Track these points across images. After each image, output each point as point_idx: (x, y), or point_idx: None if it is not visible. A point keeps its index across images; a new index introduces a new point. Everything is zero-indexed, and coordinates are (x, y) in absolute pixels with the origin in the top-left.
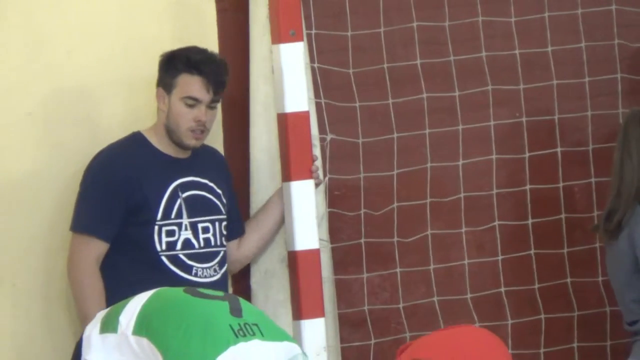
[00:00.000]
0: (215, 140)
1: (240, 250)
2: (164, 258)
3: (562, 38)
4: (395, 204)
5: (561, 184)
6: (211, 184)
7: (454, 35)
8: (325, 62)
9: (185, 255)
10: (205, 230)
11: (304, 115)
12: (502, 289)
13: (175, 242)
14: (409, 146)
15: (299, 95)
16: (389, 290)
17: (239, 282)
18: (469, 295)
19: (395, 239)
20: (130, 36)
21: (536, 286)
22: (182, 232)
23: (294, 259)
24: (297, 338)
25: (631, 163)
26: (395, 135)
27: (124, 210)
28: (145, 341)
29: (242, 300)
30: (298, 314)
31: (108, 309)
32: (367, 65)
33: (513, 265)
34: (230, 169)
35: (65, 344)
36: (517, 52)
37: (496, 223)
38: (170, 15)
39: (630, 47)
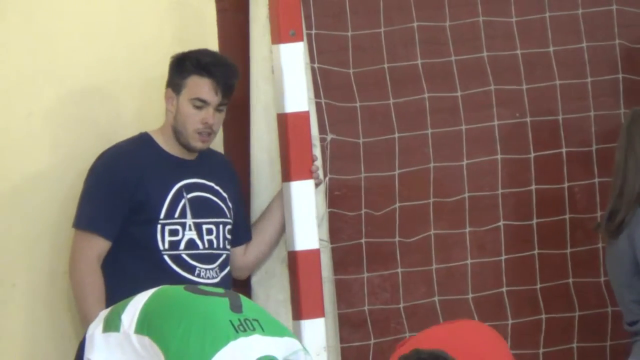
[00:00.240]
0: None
1: (246, 256)
2: (166, 257)
3: (563, 38)
4: (397, 204)
5: (566, 184)
6: (217, 187)
7: (455, 36)
8: (325, 62)
9: (188, 255)
10: (209, 232)
11: (304, 115)
12: (504, 289)
13: (179, 241)
14: (410, 146)
15: (299, 95)
16: (389, 291)
17: (240, 282)
18: (470, 295)
19: (397, 239)
20: (130, 36)
21: (538, 286)
22: (187, 232)
23: (294, 259)
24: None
25: (635, 163)
26: (397, 135)
27: (127, 209)
28: (147, 339)
29: (242, 297)
30: (298, 314)
31: (110, 307)
32: (367, 65)
33: (515, 265)
34: None
35: (67, 344)
36: (518, 52)
37: (501, 223)
38: (171, 15)
39: (631, 47)
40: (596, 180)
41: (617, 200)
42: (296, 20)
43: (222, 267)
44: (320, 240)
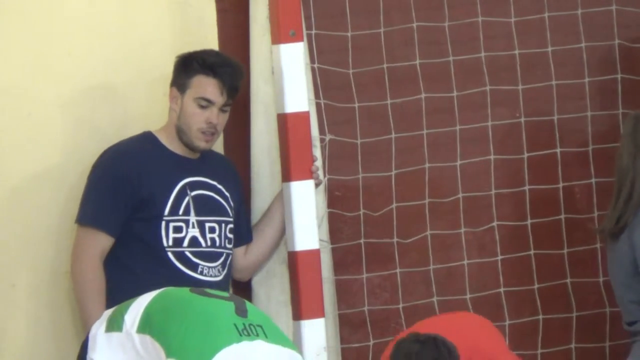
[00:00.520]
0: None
1: (247, 257)
2: (170, 254)
3: (562, 38)
4: (395, 205)
5: (561, 185)
6: (220, 186)
7: (454, 36)
8: (325, 63)
9: (191, 252)
10: (212, 230)
11: (304, 116)
12: (502, 289)
13: (183, 238)
14: (408, 146)
15: (299, 96)
16: (388, 291)
17: (240, 282)
18: (468, 296)
19: (395, 239)
20: (130, 36)
21: (535, 286)
22: (190, 230)
23: (294, 260)
24: (297, 338)
25: None
26: (394, 135)
27: (130, 205)
28: (148, 338)
29: (247, 303)
30: (298, 314)
31: (114, 307)
32: (366, 66)
33: (513, 265)
34: None
35: (68, 344)
36: (516, 52)
37: (495, 223)
38: (171, 15)
39: (630, 47)
40: (593, 180)
41: (626, 205)
42: (296, 21)
43: (224, 265)
44: (320, 240)
